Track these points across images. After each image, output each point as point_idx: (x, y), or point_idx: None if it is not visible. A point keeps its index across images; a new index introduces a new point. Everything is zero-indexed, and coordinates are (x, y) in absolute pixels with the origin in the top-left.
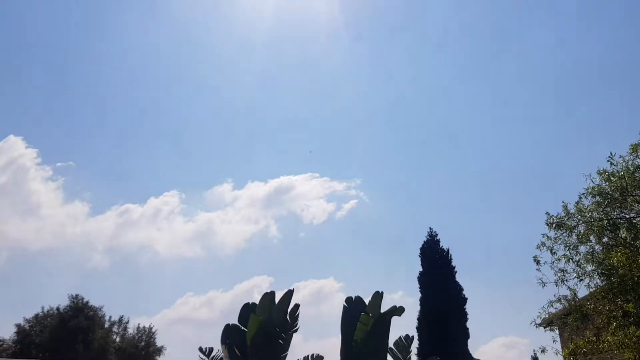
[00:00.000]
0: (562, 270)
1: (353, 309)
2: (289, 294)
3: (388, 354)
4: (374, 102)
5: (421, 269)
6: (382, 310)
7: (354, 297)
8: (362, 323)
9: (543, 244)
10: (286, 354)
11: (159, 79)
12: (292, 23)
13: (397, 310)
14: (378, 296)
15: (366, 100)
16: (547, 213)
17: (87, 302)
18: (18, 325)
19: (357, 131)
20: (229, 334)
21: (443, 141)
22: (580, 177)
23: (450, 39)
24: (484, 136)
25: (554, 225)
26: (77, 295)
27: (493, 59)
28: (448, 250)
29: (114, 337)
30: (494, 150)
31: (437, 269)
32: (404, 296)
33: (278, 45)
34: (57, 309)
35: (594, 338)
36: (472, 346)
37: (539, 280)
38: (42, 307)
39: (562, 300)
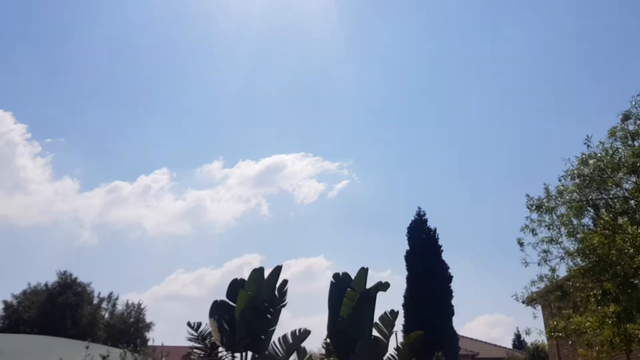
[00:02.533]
0: (545, 251)
1: (340, 284)
2: (278, 269)
3: (373, 328)
4: (368, 83)
5: (408, 248)
6: (368, 286)
7: (341, 274)
8: (348, 298)
9: (526, 226)
10: (274, 329)
11: (151, 56)
12: (286, 3)
13: (383, 286)
14: (363, 272)
15: (360, 81)
16: (527, 195)
17: (76, 279)
18: (5, 302)
19: (351, 111)
20: (218, 309)
21: (434, 123)
22: (563, 159)
23: (442, 20)
24: (473, 117)
25: (534, 207)
26: (65, 272)
27: (484, 41)
28: (435, 229)
29: (103, 313)
30: (482, 131)
31: (423, 248)
32: (393, 274)
33: (272, 24)
34: (45, 285)
35: (575, 315)
36: (458, 324)
37: (523, 261)
38: (29, 284)
39: (544, 278)
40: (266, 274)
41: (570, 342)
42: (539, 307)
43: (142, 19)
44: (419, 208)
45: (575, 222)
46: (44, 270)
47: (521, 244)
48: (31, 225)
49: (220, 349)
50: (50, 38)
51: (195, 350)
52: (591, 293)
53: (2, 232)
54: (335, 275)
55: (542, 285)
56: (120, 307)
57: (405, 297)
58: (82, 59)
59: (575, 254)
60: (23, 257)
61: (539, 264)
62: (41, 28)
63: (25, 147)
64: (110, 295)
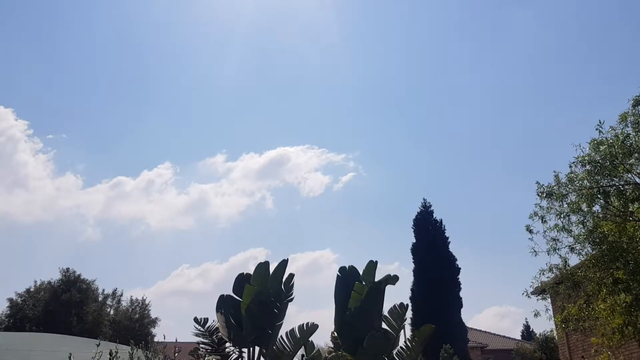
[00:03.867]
0: (554, 239)
1: (347, 278)
2: (283, 263)
3: (382, 322)
4: (373, 75)
5: (414, 240)
6: (377, 279)
7: (347, 267)
8: (356, 292)
9: (535, 213)
10: (281, 323)
11: (152, 49)
12: None
13: (391, 279)
14: (372, 265)
15: (364, 72)
16: (538, 182)
17: (80, 276)
18: (10, 300)
19: (356, 102)
20: (224, 304)
21: (440, 113)
22: (574, 145)
23: (445, 6)
24: (478, 106)
25: (544, 194)
26: (68, 269)
27: (488, 27)
28: (441, 220)
29: (108, 309)
30: (489, 120)
31: (430, 240)
32: (400, 267)
33: (272, 12)
34: (49, 282)
35: (585, 305)
36: (466, 315)
37: (532, 250)
38: (34, 281)
39: (554, 269)
40: (272, 268)
41: (582, 328)
42: (549, 300)
43: (141, 14)
44: (424, 200)
45: (585, 209)
46: (47, 267)
47: (530, 231)
48: (34, 222)
49: (228, 344)
50: (51, 34)
51: (202, 346)
52: (602, 282)
53: (4, 230)
54: (342, 269)
55: (551, 275)
56: (124, 303)
57: (412, 289)
58: (82, 54)
59: (585, 242)
60: (26, 255)
61: (548, 253)
62: (41, 24)
63: (26, 144)
64: (114, 292)
